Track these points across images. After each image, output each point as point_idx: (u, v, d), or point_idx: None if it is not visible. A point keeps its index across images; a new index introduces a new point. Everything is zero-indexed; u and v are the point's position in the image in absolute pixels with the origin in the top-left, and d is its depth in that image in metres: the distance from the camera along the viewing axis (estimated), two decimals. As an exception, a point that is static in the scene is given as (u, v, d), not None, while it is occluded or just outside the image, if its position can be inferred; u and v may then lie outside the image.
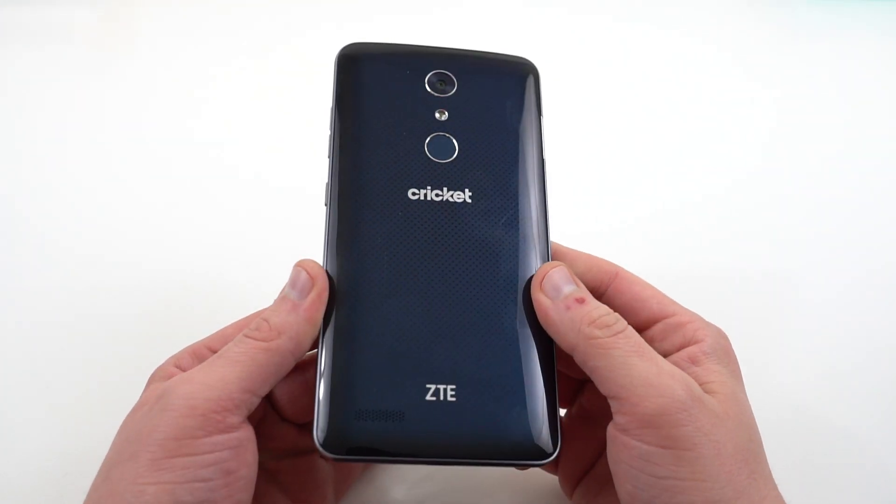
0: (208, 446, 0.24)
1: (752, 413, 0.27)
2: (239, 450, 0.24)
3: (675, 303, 0.30)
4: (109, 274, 0.44)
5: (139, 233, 0.46)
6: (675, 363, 0.27)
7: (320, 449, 0.25)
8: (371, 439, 0.26)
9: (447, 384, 0.26)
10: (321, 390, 0.26)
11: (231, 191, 0.48)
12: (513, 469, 0.34)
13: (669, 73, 0.58)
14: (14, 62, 0.56)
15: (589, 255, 0.31)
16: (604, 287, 0.30)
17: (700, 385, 0.26)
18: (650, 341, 0.28)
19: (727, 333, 0.29)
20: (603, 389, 0.26)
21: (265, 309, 0.28)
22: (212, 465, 0.24)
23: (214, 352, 0.28)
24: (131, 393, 0.28)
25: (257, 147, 0.51)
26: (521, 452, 0.26)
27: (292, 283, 0.28)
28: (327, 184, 0.29)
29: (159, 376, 0.28)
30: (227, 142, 0.51)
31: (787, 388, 0.40)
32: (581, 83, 0.56)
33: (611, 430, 0.26)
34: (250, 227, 0.46)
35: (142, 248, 0.45)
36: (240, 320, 0.30)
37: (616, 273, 0.30)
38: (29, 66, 0.56)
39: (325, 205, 0.29)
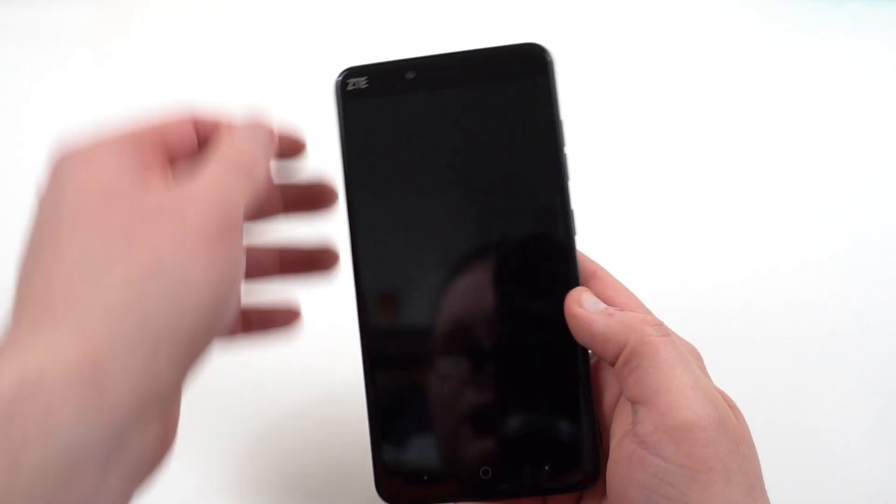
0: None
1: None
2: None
3: (647, 311, 0.28)
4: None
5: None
6: None
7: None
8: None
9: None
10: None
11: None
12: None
13: (671, 71, 0.58)
14: (13, 62, 0.56)
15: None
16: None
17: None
18: None
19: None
20: (636, 392, 0.26)
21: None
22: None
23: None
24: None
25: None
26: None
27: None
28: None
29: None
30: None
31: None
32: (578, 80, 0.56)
33: (629, 444, 0.26)
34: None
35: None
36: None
37: (594, 273, 0.29)
38: (28, 66, 0.56)
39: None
